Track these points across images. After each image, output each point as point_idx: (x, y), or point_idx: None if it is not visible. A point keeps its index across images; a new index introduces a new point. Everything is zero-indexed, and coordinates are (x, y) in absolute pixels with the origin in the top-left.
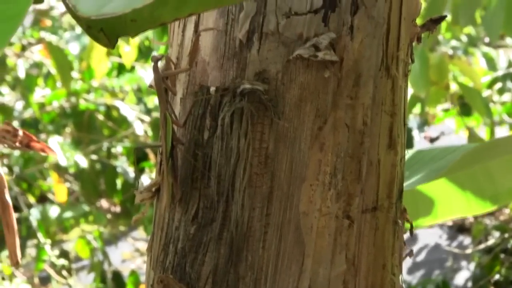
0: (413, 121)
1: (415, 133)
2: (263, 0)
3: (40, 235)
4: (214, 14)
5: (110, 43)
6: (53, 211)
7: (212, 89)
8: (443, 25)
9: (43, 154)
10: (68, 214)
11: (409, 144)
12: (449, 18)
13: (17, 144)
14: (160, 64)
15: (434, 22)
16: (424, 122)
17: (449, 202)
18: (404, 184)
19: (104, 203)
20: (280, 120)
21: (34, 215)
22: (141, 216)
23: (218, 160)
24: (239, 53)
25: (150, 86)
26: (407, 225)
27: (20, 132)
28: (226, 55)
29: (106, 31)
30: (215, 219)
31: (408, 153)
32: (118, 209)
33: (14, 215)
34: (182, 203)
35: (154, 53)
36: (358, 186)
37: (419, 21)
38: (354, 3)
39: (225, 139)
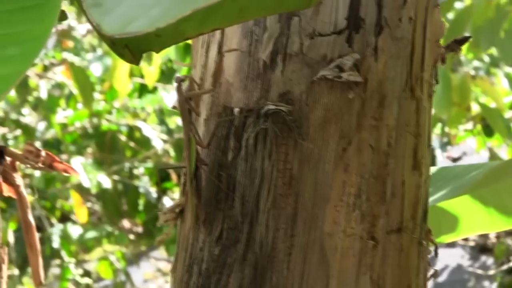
0: (435, 140)
1: (438, 152)
2: (287, 21)
3: (64, 253)
4: (237, 35)
5: (135, 59)
6: (75, 231)
7: (236, 110)
8: (465, 45)
9: (65, 174)
10: (90, 234)
11: (432, 163)
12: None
13: (40, 164)
14: (184, 85)
15: (458, 43)
16: (447, 142)
17: (471, 219)
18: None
19: (126, 223)
20: (304, 141)
21: (57, 234)
22: (165, 237)
23: (242, 181)
24: (263, 74)
25: (174, 107)
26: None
27: (43, 153)
28: (250, 76)
29: (130, 47)
30: (240, 240)
31: (432, 170)
32: (140, 229)
33: (37, 235)
34: (206, 224)
35: (177, 74)
36: (383, 207)
37: (441, 42)
38: (378, 24)
39: (249, 160)
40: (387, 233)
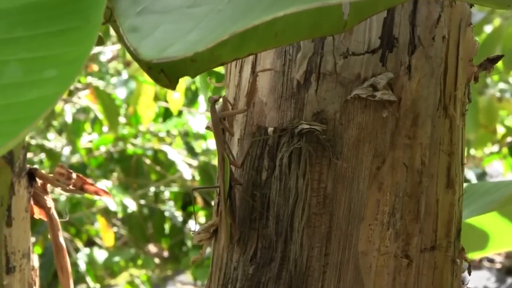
0: (471, 172)
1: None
2: (321, 41)
3: (89, 279)
4: (271, 55)
5: (171, 84)
6: (101, 255)
7: (270, 129)
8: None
9: (96, 196)
10: (116, 258)
11: None
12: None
13: (71, 187)
14: (217, 105)
15: (491, 62)
16: (482, 174)
17: (500, 235)
18: None
19: (152, 247)
20: (338, 160)
21: (82, 259)
22: (199, 257)
23: (277, 200)
24: (296, 93)
25: (207, 127)
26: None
27: (74, 175)
28: (284, 95)
29: (166, 72)
30: (274, 259)
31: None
32: (166, 253)
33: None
34: (240, 243)
35: (210, 95)
36: (417, 226)
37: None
38: (412, 43)
39: (283, 180)
40: (421, 251)
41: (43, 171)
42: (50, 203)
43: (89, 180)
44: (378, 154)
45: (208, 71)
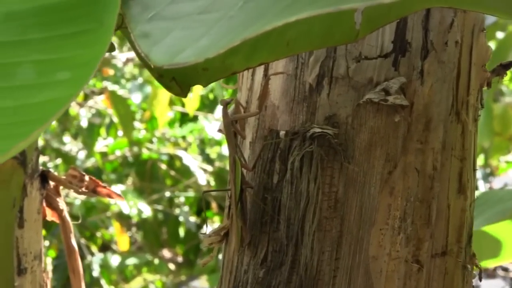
0: (478, 171)
1: (480, 183)
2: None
3: (103, 282)
4: (283, 58)
5: (182, 92)
6: (115, 260)
7: (282, 133)
8: (508, 76)
9: (109, 199)
10: (130, 261)
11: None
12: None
13: (84, 189)
14: (230, 108)
15: (504, 67)
16: (489, 173)
17: None
18: None
19: (166, 253)
20: (350, 164)
21: (97, 262)
22: (210, 260)
23: (288, 204)
24: (308, 97)
25: (220, 130)
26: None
27: (87, 177)
28: (296, 99)
29: (178, 80)
30: (284, 263)
31: (475, 194)
32: (180, 259)
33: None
34: (251, 246)
35: (222, 99)
36: (428, 231)
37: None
38: (424, 48)
39: (295, 183)
40: (432, 256)
41: (55, 173)
42: (62, 205)
43: (102, 183)
44: (389, 158)
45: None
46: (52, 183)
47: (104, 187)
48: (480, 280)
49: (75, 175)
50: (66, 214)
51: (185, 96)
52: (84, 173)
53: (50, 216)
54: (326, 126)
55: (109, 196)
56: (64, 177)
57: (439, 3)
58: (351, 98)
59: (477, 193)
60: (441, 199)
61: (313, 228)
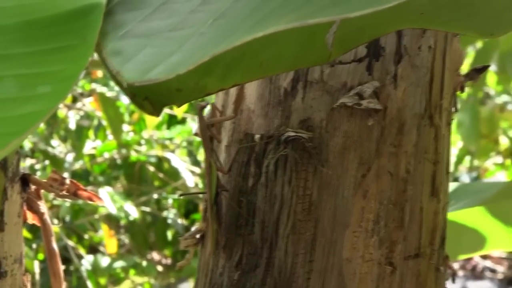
0: (465, 175)
1: None
2: None
3: (90, 284)
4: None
5: (155, 112)
6: (104, 262)
7: (257, 136)
8: (494, 79)
9: (90, 202)
10: (118, 264)
11: None
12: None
13: (64, 192)
14: (206, 112)
15: (477, 72)
16: (476, 177)
17: (492, 235)
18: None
19: (155, 255)
20: (324, 167)
21: (85, 265)
22: (186, 263)
23: (262, 207)
24: (283, 101)
25: (196, 133)
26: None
27: (67, 181)
28: (271, 103)
29: (151, 100)
30: (259, 265)
31: (454, 185)
32: (168, 261)
33: (62, 266)
34: (226, 249)
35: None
36: (401, 233)
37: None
38: (398, 52)
39: (269, 186)
40: (405, 258)
41: (36, 177)
42: (43, 208)
43: (83, 186)
44: (363, 162)
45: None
46: (33, 187)
47: (85, 190)
48: (454, 282)
49: (56, 178)
50: (47, 217)
51: (158, 115)
52: (65, 177)
53: (31, 219)
54: (300, 130)
55: (90, 199)
56: (45, 180)
57: (411, 24)
58: (325, 102)
59: (455, 184)
60: (414, 202)
61: (287, 230)
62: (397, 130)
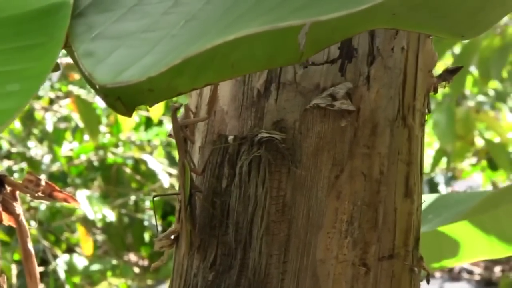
0: (440, 175)
1: (442, 187)
2: None
3: (67, 287)
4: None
5: (127, 112)
6: (80, 262)
7: (230, 138)
8: (470, 80)
9: (65, 203)
10: (95, 266)
11: None
12: (476, 72)
13: (40, 193)
14: (179, 113)
15: (450, 73)
16: (451, 177)
17: (472, 244)
18: (427, 226)
19: (132, 256)
20: (297, 168)
21: (61, 266)
22: (160, 263)
23: (236, 208)
24: (257, 102)
25: (169, 135)
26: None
27: (43, 182)
28: (244, 104)
29: (123, 100)
30: (233, 266)
31: (433, 197)
32: (146, 262)
33: (39, 268)
34: (200, 250)
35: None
36: (375, 234)
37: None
38: (371, 54)
39: (243, 187)
40: (379, 259)
41: (12, 178)
42: (19, 209)
43: (58, 188)
44: (336, 163)
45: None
46: (8, 188)
47: (60, 191)
48: (428, 283)
49: (32, 179)
50: (22, 218)
51: (130, 116)
52: (40, 178)
53: (7, 220)
54: (273, 131)
55: (66, 200)
56: (20, 182)
57: (383, 25)
58: (298, 103)
59: (434, 195)
60: (388, 203)
61: (261, 231)
62: (370, 131)
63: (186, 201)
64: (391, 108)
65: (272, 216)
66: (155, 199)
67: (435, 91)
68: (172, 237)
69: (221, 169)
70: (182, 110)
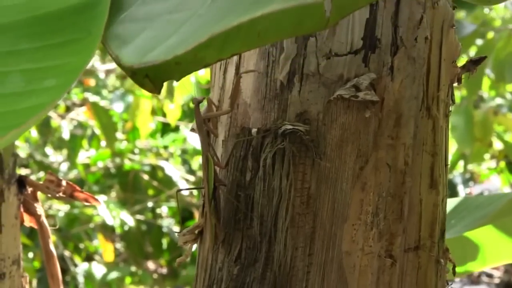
0: (458, 177)
1: (460, 188)
2: (303, 42)
3: None
4: (254, 56)
5: (155, 88)
6: (99, 270)
7: (254, 130)
8: (487, 82)
9: (86, 204)
10: (114, 274)
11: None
12: (492, 75)
13: (61, 194)
14: (202, 106)
15: (474, 63)
16: (469, 179)
17: (496, 248)
18: (451, 231)
19: (150, 263)
20: (321, 160)
21: (81, 273)
22: (185, 258)
23: (261, 201)
24: (280, 94)
25: (192, 129)
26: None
27: (64, 182)
28: (267, 96)
29: (151, 77)
30: (258, 260)
31: (455, 201)
32: (164, 270)
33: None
34: (225, 244)
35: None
36: (400, 226)
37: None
38: (394, 44)
39: (267, 180)
40: (405, 251)
41: (33, 179)
42: (40, 210)
43: (79, 188)
44: (361, 154)
45: (193, 72)
46: (29, 189)
47: (81, 191)
48: (454, 274)
49: (52, 180)
50: (44, 219)
51: (159, 92)
52: (61, 178)
53: (28, 221)
54: (297, 123)
55: (86, 200)
56: (41, 182)
57: None
58: (322, 94)
59: (456, 199)
60: (413, 194)
61: (286, 224)
62: (395, 122)
63: (210, 195)
64: (415, 99)
65: (297, 209)
66: (178, 193)
67: (459, 81)
68: (196, 231)
69: (245, 162)
70: (205, 103)
